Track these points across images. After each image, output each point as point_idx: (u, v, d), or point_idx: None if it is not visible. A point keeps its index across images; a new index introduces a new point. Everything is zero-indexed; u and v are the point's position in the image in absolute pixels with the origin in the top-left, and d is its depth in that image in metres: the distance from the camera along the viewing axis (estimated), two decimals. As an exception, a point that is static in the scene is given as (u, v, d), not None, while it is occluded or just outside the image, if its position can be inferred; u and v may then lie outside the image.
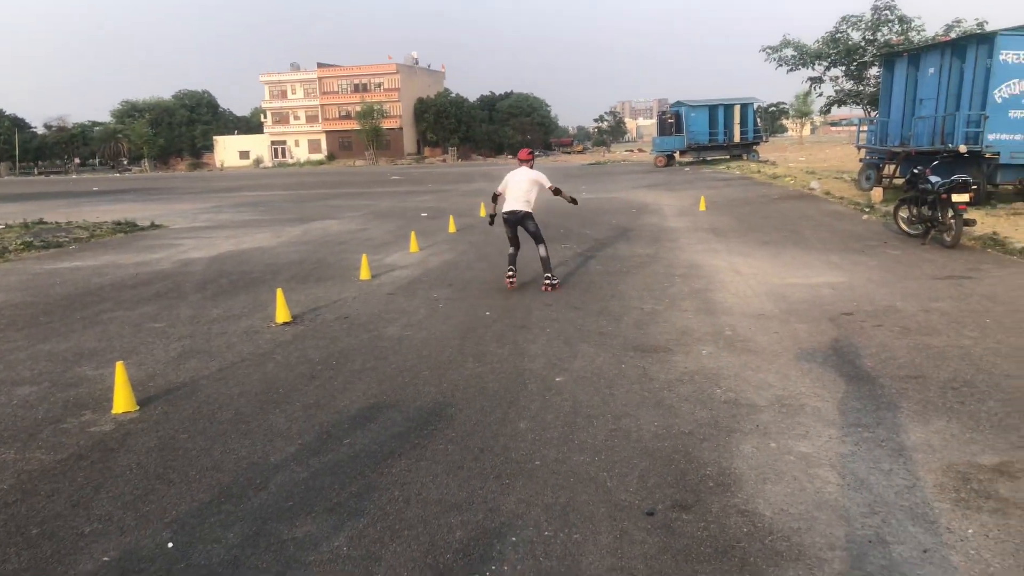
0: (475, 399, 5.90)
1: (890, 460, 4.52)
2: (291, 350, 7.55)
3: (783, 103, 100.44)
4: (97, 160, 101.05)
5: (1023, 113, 16.41)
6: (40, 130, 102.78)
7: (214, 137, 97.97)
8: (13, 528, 4.14)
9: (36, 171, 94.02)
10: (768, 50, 34.81)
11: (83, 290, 11.24)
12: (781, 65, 34.56)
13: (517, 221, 10.16)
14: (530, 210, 10.19)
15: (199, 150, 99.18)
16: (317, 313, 9.16)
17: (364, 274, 11.35)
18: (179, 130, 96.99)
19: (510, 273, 10.30)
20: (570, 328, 8.00)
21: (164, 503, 4.37)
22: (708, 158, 47.88)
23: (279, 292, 8.94)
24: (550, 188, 10.33)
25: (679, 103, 48.08)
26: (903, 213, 13.62)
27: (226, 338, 8.11)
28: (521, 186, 10.21)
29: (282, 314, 8.73)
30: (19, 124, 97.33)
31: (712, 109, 46.59)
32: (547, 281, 10.07)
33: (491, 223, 10.73)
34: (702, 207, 19.85)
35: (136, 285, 11.48)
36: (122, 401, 5.93)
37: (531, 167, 10.61)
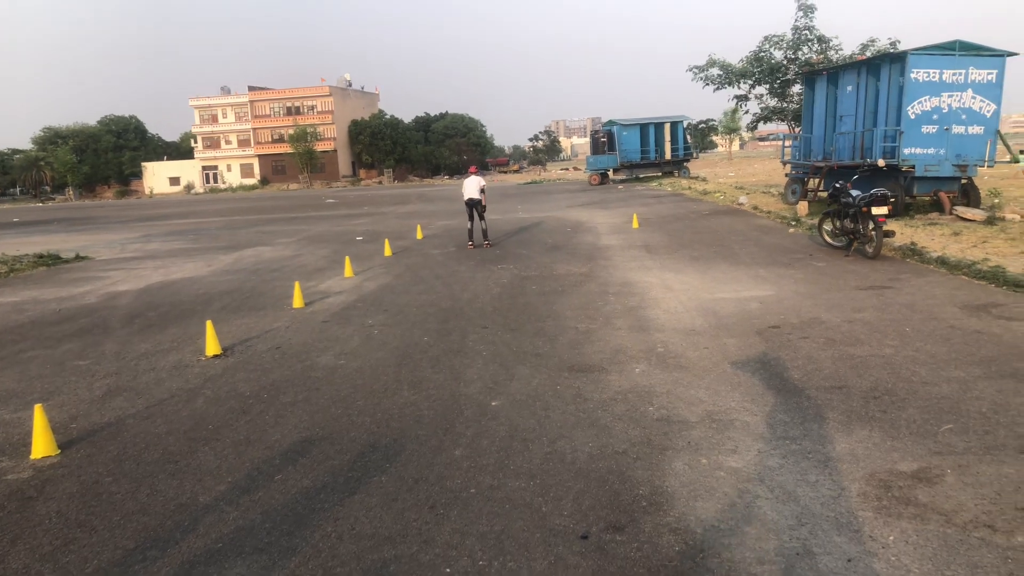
0: (410, 428, 5.86)
1: (816, 471, 4.64)
2: (221, 384, 7.38)
3: (712, 120, 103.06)
4: (18, 189, 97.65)
5: (935, 128, 17.14)
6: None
7: (143, 163, 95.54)
8: (-78, 586, 3.95)
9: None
10: (695, 69, 35.67)
11: (1, 328, 10.81)
12: (708, 84, 35.43)
13: (474, 204, 17.54)
14: (480, 198, 17.46)
15: (127, 177, 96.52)
16: (248, 344, 8.99)
17: (297, 302, 11.19)
18: (105, 157, 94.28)
19: (470, 243, 17.71)
20: (506, 350, 8.02)
21: (85, 552, 4.22)
22: (641, 175, 48.66)
23: (209, 324, 8.75)
24: (483, 189, 17.60)
25: (611, 122, 48.83)
26: (827, 226, 14.06)
27: (154, 374, 7.90)
28: (474, 185, 17.60)
29: (212, 347, 8.55)
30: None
31: (643, 127, 47.44)
32: (486, 243, 17.80)
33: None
34: (635, 224, 20.16)
35: (59, 321, 11.10)
36: (41, 445, 5.72)
37: (480, 176, 17.86)
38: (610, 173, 48.03)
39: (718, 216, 21.75)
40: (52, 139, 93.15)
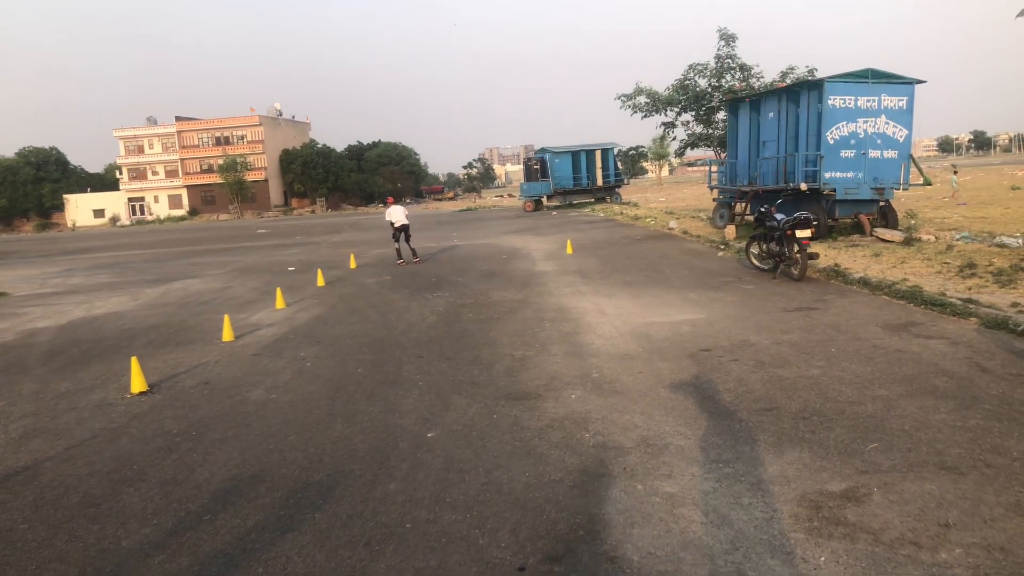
0: (344, 462, 5.75)
1: (749, 494, 4.71)
2: (147, 422, 7.13)
3: (642, 146, 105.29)
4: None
5: (853, 153, 17.83)
6: None
7: (64, 196, 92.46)
8: None
9: None
10: (623, 98, 36.33)
11: (-91, 370, 10.26)
12: (636, 111, 36.13)
13: (404, 228, 20.01)
14: (408, 223, 20.14)
15: (48, 210, 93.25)
16: (176, 380, 8.73)
17: (227, 335, 10.93)
18: (24, 189, 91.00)
19: (401, 260, 20.18)
20: (442, 380, 7.96)
21: (-1, 605, 4.00)
22: (574, 201, 49.26)
23: (134, 360, 8.46)
24: (407, 215, 20.39)
25: (544, 150, 49.41)
26: (754, 249, 14.43)
27: (75, 413, 7.59)
28: (401, 212, 20.26)
29: (138, 383, 8.26)
30: None
31: (575, 155, 48.13)
32: (415, 260, 20.17)
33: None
34: (569, 250, 20.35)
35: (-28, 361, 10.59)
36: (-49, 493, 5.42)
37: (392, 204, 20.76)
38: (544, 200, 48.52)
39: (649, 241, 22.12)
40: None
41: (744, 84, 32.52)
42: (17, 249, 46.06)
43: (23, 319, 14.50)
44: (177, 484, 5.53)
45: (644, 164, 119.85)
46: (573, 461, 5.46)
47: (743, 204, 22.17)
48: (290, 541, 4.49)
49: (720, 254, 17.55)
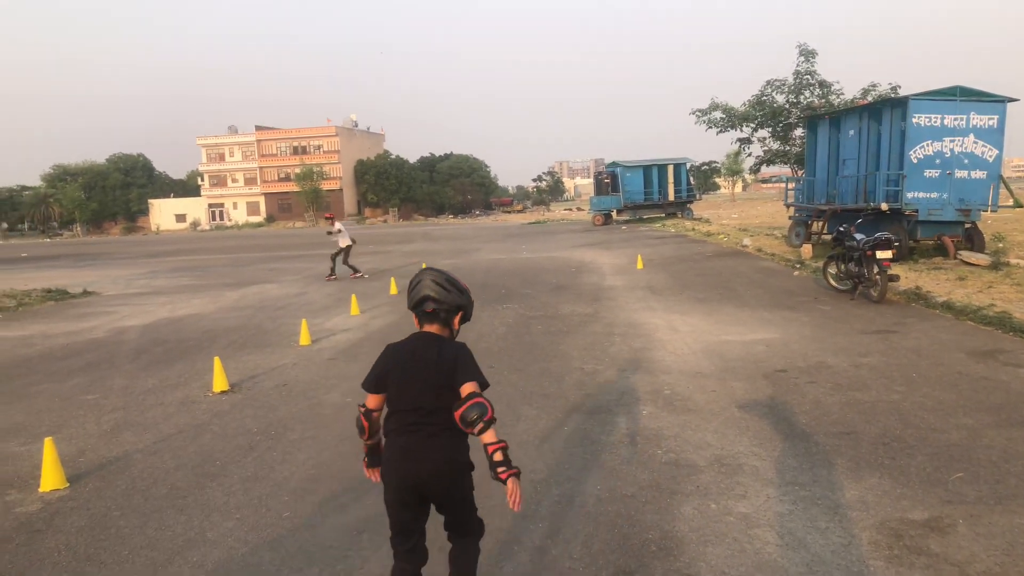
0: (418, 467, 5.84)
1: (826, 518, 4.63)
2: (228, 420, 7.39)
3: (715, 162, 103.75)
4: (27, 225, 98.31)
5: (937, 173, 17.30)
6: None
7: (149, 200, 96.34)
8: (-70, 621, 3.94)
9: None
10: (698, 113, 35.98)
11: (10, 362, 10.86)
12: (711, 127, 35.75)
13: (344, 249, 20.22)
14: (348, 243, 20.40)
15: (134, 214, 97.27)
16: (256, 381, 9.02)
17: (304, 339, 11.23)
18: (113, 194, 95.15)
19: (333, 276, 20.53)
20: (512, 391, 8.03)
21: (94, 588, 4.21)
22: (644, 216, 48.96)
23: (216, 360, 8.78)
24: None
25: (615, 163, 49.30)
26: (831, 269, 14.12)
27: (162, 409, 7.91)
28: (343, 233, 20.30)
29: (219, 383, 8.57)
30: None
31: (647, 169, 47.88)
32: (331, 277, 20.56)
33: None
34: (639, 265, 20.25)
35: (67, 356, 11.14)
36: (50, 478, 5.72)
37: (331, 224, 20.79)
38: (613, 214, 48.36)
39: (722, 258, 21.85)
40: (61, 176, 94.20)
41: (823, 101, 31.87)
42: (105, 251, 48.13)
43: (112, 317, 15.16)
44: (258, 481, 5.73)
45: (717, 180, 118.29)
46: (645, 477, 5.45)
47: (820, 223, 21.71)
48: (366, 541, 4.60)
49: (796, 273, 17.22)
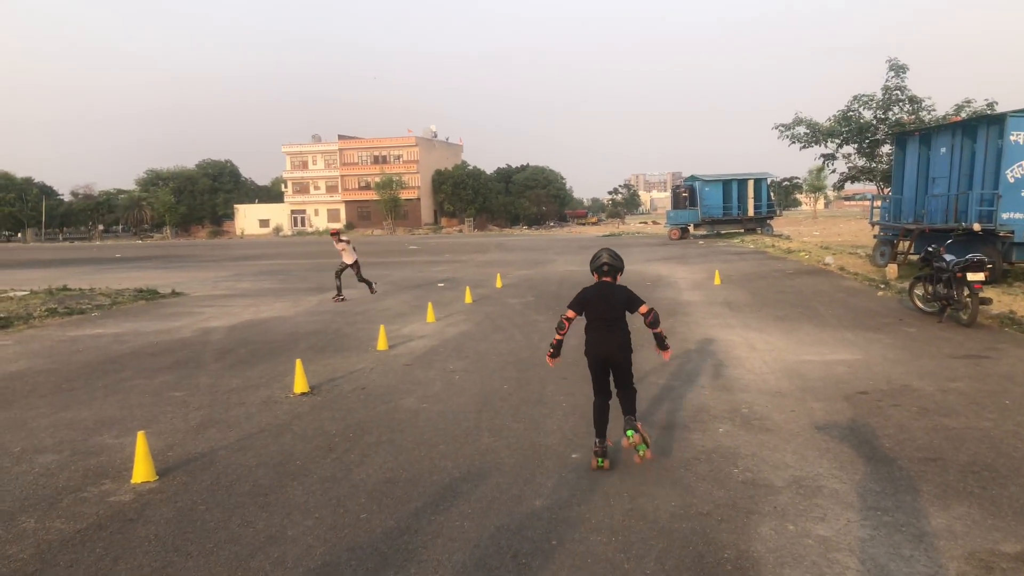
0: (491, 475, 5.91)
1: (910, 546, 4.49)
2: (308, 421, 7.60)
3: (796, 178, 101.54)
4: (120, 227, 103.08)
5: (1035, 193, 16.54)
6: (67, 197, 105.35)
7: (235, 205, 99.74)
8: (32, 600, 4.17)
9: (61, 237, 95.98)
10: (781, 128, 35.35)
11: (104, 358, 11.39)
12: (794, 142, 35.03)
13: (351, 265, 18.18)
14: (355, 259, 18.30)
15: (220, 218, 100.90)
16: (334, 384, 9.24)
17: (381, 344, 11.45)
18: (201, 198, 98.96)
19: (341, 297, 18.21)
20: (585, 403, 7.99)
21: (182, 577, 4.39)
22: (722, 232, 48.23)
23: (298, 363, 9.04)
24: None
25: (693, 177, 48.75)
26: (919, 290, 13.65)
27: (244, 408, 8.18)
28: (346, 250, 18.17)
29: (300, 384, 8.82)
30: (47, 192, 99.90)
31: (726, 184, 47.16)
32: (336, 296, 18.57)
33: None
34: (716, 281, 19.95)
35: (156, 353, 11.63)
36: (142, 471, 5.98)
37: (338, 240, 18.34)
38: (691, 228, 47.82)
39: (803, 276, 21.34)
40: (154, 180, 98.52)
41: (913, 117, 30.88)
42: (193, 253, 50.00)
43: (199, 318, 15.74)
44: (336, 482, 5.87)
45: (798, 196, 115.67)
46: (721, 495, 5.37)
47: (907, 242, 21.00)
48: (441, 546, 4.67)
49: (880, 293, 16.68)
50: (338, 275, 18.58)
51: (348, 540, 4.81)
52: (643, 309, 5.95)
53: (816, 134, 34.37)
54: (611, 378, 6.17)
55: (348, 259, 18.20)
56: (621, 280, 6.28)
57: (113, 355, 11.59)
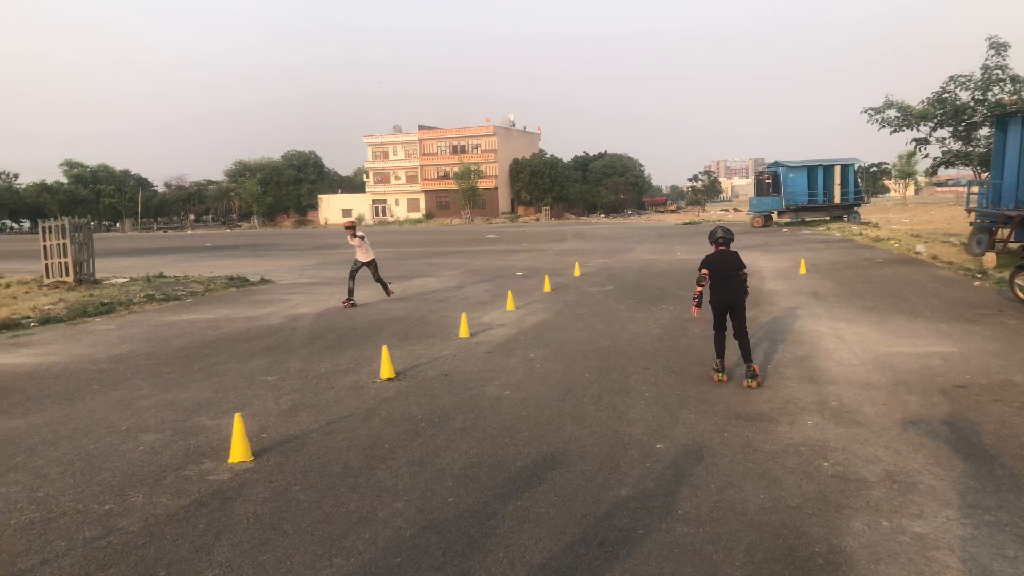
0: (575, 463, 5.94)
1: (1015, 546, 4.32)
2: (395, 406, 7.77)
3: (885, 163, 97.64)
4: (210, 216, 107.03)
5: None
6: (161, 188, 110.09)
7: (319, 196, 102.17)
8: (143, 570, 4.41)
9: (155, 226, 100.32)
10: (870, 111, 34.10)
11: (199, 342, 11.87)
12: (884, 126, 33.76)
13: (366, 263, 16.10)
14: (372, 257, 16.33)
15: (304, 208, 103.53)
16: (419, 370, 9.41)
17: (463, 332, 11.59)
18: (286, 189, 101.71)
19: (351, 301, 15.74)
20: (669, 393, 7.96)
21: (279, 553, 4.57)
22: (807, 219, 46.91)
23: (384, 349, 9.24)
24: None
25: (777, 163, 47.51)
26: (1020, 280, 13.03)
27: (334, 392, 8.42)
28: (362, 247, 16.03)
29: (386, 370, 9.02)
30: (143, 183, 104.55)
31: (811, 170, 45.79)
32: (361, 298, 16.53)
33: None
34: (802, 270, 19.45)
35: (248, 339, 12.06)
36: (239, 451, 6.24)
37: (352, 236, 16.14)
38: (774, 216, 46.68)
39: (893, 265, 20.61)
40: (241, 171, 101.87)
41: (1016, 98, 29.33)
42: (278, 242, 51.50)
43: (287, 305, 16.23)
44: (423, 466, 6.00)
45: (886, 183, 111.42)
46: (810, 488, 5.27)
47: (1007, 230, 20.02)
48: (527, 532, 4.73)
49: (977, 283, 15.98)
50: (352, 275, 16.33)
51: (437, 523, 4.91)
52: (743, 271, 8.45)
53: (908, 117, 33.06)
54: (728, 320, 8.43)
55: (363, 257, 16.27)
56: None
57: (208, 340, 12.07)
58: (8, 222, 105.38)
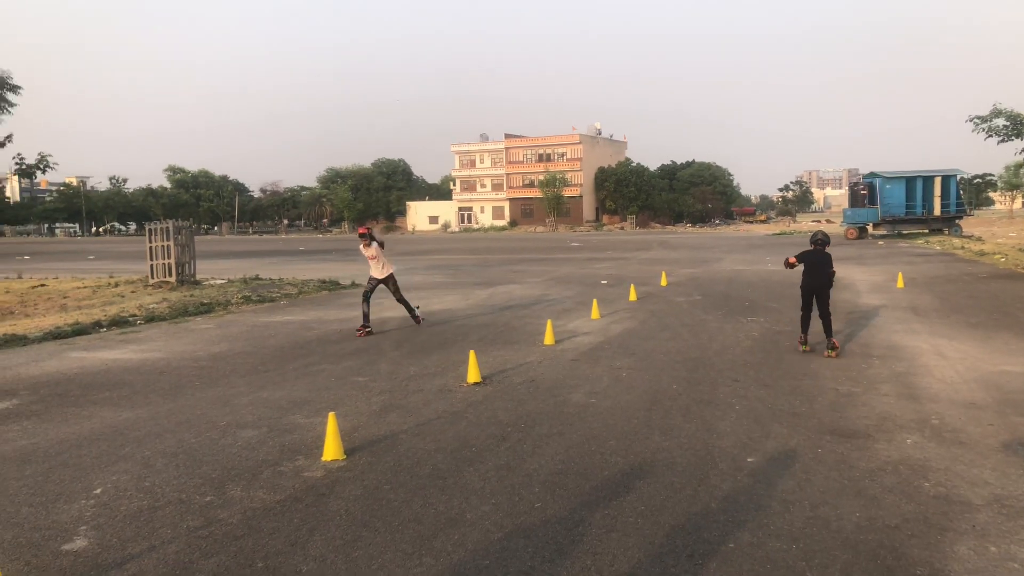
0: (663, 474, 5.88)
1: None
2: (482, 410, 7.85)
3: (990, 175, 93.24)
4: (303, 221, 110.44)
5: None
6: (256, 194, 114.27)
7: (407, 202, 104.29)
8: (243, 560, 4.58)
9: (251, 230, 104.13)
10: (976, 120, 32.62)
11: (294, 343, 12.26)
12: (991, 135, 32.23)
13: (383, 281, 13.39)
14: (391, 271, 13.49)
15: (393, 214, 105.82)
16: (505, 375, 9.48)
17: (548, 339, 11.62)
18: (376, 195, 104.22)
19: (367, 327, 12.98)
20: (760, 406, 7.80)
21: (371, 550, 4.68)
22: (904, 232, 45.22)
23: (471, 353, 9.35)
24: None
25: (873, 174, 46.00)
26: None
27: (422, 395, 8.57)
28: (378, 258, 13.38)
29: (473, 374, 9.12)
30: (240, 188, 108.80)
31: (910, 180, 44.14)
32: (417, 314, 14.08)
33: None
34: (899, 284, 18.74)
35: (340, 340, 12.39)
36: (332, 449, 6.41)
37: (368, 244, 13.33)
38: (869, 228, 45.20)
39: (999, 280, 19.64)
40: (333, 178, 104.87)
41: None
42: (367, 247, 52.65)
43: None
44: (510, 470, 6.04)
45: (991, 195, 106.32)
46: (910, 509, 5.08)
47: None
48: (615, 541, 4.71)
49: (1092, 301, 15.08)
50: (366, 297, 13.46)
51: (524, 527, 4.94)
52: (832, 271, 10.55)
53: (1017, 126, 31.46)
54: (814, 303, 10.58)
55: (378, 272, 13.45)
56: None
57: (301, 341, 12.45)
58: (116, 224, 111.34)
